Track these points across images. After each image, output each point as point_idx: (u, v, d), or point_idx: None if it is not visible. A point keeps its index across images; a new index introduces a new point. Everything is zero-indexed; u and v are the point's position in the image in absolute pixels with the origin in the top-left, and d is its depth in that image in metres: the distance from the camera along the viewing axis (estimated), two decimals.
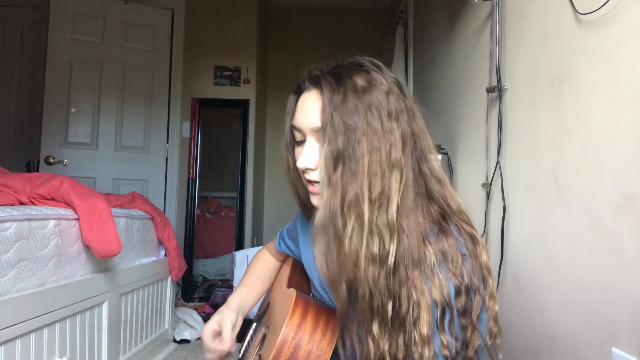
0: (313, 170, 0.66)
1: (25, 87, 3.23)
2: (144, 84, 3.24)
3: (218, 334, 0.85)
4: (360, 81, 0.62)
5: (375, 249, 0.58)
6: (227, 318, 0.86)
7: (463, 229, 0.64)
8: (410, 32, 2.86)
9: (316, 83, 0.65)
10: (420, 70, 2.65)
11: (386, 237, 0.58)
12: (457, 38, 1.92)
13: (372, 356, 0.60)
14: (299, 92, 0.69)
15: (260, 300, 1.03)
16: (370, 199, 0.58)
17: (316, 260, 0.62)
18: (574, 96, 1.04)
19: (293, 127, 0.69)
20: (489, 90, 1.47)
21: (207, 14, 3.47)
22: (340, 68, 0.66)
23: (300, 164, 0.66)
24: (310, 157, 0.65)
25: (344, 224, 0.58)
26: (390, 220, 0.58)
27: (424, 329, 0.58)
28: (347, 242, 0.58)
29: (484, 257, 0.63)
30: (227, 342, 0.82)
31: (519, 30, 1.33)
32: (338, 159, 0.59)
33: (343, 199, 0.58)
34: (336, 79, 0.63)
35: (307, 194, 0.73)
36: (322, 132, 0.61)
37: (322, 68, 0.68)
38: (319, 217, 0.61)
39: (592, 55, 0.97)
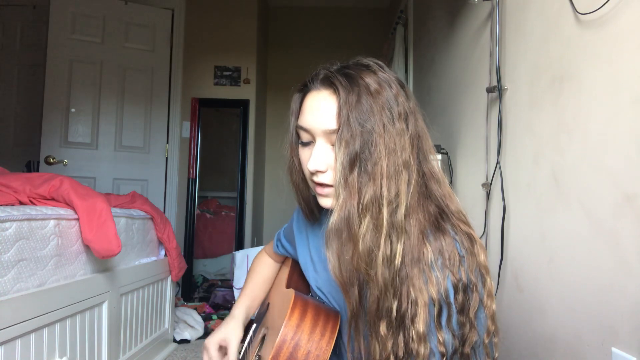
0: (323, 172, 0.64)
1: (25, 87, 3.23)
2: (144, 84, 3.24)
3: (222, 346, 0.86)
4: (371, 82, 0.61)
5: (388, 250, 0.58)
6: (233, 334, 0.86)
7: (460, 228, 0.64)
8: (410, 32, 2.86)
9: (328, 83, 0.63)
10: (420, 71, 2.65)
11: (394, 238, 0.58)
12: (457, 38, 1.92)
13: (377, 357, 0.60)
14: (304, 91, 0.67)
15: None
16: (388, 200, 0.58)
17: (329, 263, 0.62)
18: (574, 96, 1.04)
19: (299, 128, 0.66)
20: (489, 90, 1.47)
21: (207, 14, 3.47)
22: (349, 69, 0.64)
23: (312, 166, 0.63)
24: (321, 159, 0.63)
25: (360, 226, 0.58)
26: (400, 221, 0.59)
27: (421, 327, 0.58)
28: (361, 243, 0.58)
29: (482, 256, 0.63)
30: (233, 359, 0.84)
31: (519, 30, 1.33)
32: (355, 161, 0.59)
33: (360, 201, 0.58)
34: (348, 79, 0.62)
35: (311, 196, 0.72)
36: (338, 134, 0.60)
37: (331, 68, 0.66)
38: (333, 219, 0.60)
39: (592, 55, 0.97)
